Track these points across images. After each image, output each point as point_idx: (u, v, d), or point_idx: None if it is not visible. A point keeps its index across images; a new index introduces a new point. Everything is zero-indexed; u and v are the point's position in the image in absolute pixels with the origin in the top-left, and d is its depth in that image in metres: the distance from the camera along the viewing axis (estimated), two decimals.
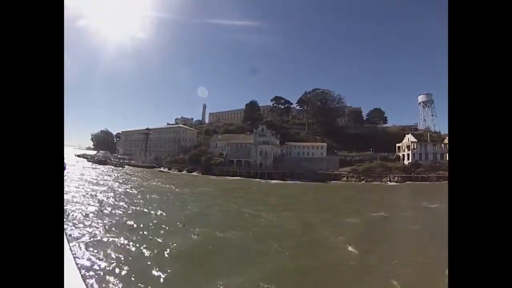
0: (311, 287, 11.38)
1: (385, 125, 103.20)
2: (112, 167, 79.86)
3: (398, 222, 23.76)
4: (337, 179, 62.39)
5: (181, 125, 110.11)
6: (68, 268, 2.32)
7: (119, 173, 62.99)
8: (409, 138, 73.02)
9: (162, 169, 78.78)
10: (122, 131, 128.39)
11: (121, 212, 21.64)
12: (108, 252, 13.04)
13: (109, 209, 22.54)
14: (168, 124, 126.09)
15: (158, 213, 21.93)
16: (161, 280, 10.93)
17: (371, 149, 74.70)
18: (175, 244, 14.57)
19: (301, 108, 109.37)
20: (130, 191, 34.16)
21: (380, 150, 73.36)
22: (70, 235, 14.86)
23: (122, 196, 29.38)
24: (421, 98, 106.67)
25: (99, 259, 12.21)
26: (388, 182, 58.41)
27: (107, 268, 11.45)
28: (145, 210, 23.22)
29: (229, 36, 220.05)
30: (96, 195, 28.49)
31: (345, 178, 62.21)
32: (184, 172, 72.83)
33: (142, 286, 10.47)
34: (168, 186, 41.40)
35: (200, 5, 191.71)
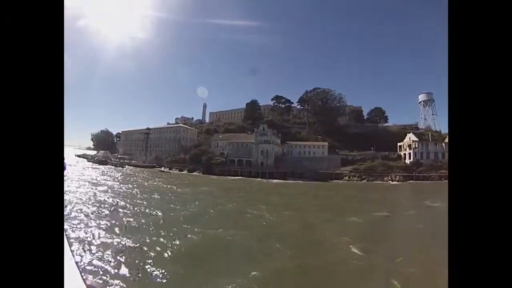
0: (312, 287, 11.32)
1: (386, 124, 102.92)
2: (113, 167, 79.89)
3: (401, 221, 23.61)
4: (338, 178, 62.28)
5: (181, 125, 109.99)
6: (68, 268, 2.33)
7: (119, 173, 62.97)
8: (410, 137, 72.98)
9: (162, 169, 78.58)
10: (122, 131, 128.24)
11: (122, 213, 21.55)
12: (109, 252, 12.98)
13: (110, 209, 22.49)
14: (168, 123, 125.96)
15: (160, 213, 21.85)
16: (162, 280, 10.86)
17: (372, 148, 74.61)
18: (176, 244, 14.53)
19: (302, 107, 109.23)
20: (131, 191, 34.09)
21: (381, 149, 73.27)
22: (71, 235, 14.80)
23: (123, 197, 29.28)
24: (421, 97, 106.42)
25: (100, 260, 12.15)
26: (390, 181, 58.22)
27: (108, 269, 11.39)
28: (147, 210, 23.11)
29: (229, 36, 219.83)
30: (96, 196, 28.43)
31: (346, 177, 62.04)
32: (185, 172, 72.70)
33: (143, 286, 10.47)
34: (169, 186, 41.31)
35: (200, 5, 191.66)
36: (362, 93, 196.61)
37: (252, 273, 11.49)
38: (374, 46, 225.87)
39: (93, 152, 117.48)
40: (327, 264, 13.15)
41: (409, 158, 68.10)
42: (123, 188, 36.85)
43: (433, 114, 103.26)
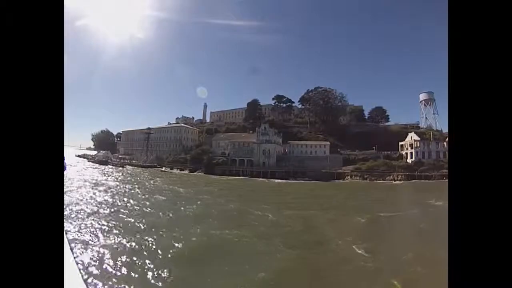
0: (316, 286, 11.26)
1: (387, 124, 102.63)
2: (113, 167, 79.49)
3: (406, 220, 23.68)
4: (340, 177, 62.01)
5: (182, 125, 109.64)
6: (68, 268, 2.34)
7: (120, 173, 62.68)
8: (412, 136, 72.72)
9: (163, 169, 78.18)
10: (122, 131, 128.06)
11: (123, 213, 21.35)
12: (110, 252, 12.94)
13: (111, 209, 22.34)
14: (169, 123, 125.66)
15: (161, 214, 21.67)
16: (164, 281, 10.79)
17: (374, 147, 74.28)
18: (179, 245, 14.51)
19: (303, 106, 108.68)
20: (132, 191, 33.91)
21: (383, 148, 72.97)
22: (71, 236, 14.73)
23: (123, 197, 29.00)
24: (422, 97, 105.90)
25: (100, 260, 12.10)
26: (393, 181, 58.08)
27: (108, 269, 11.36)
28: (148, 210, 23.01)
29: (229, 36, 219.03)
30: (97, 196, 28.30)
31: (349, 177, 61.78)
32: (186, 171, 72.32)
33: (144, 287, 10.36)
34: (171, 186, 40.98)
35: (200, 5, 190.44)
36: (362, 92, 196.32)
37: (259, 274, 11.44)
38: (374, 45, 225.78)
39: (94, 152, 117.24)
40: (331, 264, 13.13)
41: (411, 158, 67.89)
42: (123, 188, 36.64)
43: (434, 114, 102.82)
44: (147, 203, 26.48)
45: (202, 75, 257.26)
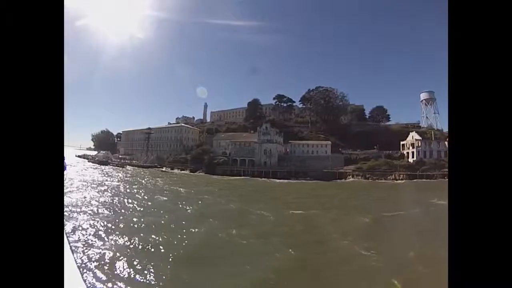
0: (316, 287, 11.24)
1: (388, 123, 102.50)
2: (114, 167, 79.29)
3: (408, 219, 23.73)
4: (342, 177, 61.87)
5: (183, 124, 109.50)
6: (68, 268, 2.33)
7: (121, 173, 62.58)
8: (413, 136, 72.63)
9: (164, 169, 77.97)
10: (123, 131, 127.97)
11: (123, 213, 21.38)
12: (110, 253, 12.93)
13: (111, 210, 22.33)
14: (169, 123, 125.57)
15: (163, 214, 21.62)
16: (165, 280, 10.79)
17: (375, 147, 74.19)
18: (181, 244, 14.63)
19: (304, 106, 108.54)
20: (134, 192, 33.79)
21: (384, 148, 72.91)
22: (72, 236, 14.71)
23: (124, 197, 28.94)
24: (423, 96, 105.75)
25: (101, 260, 12.09)
26: (396, 180, 58.02)
27: (108, 269, 11.35)
28: (150, 210, 23.01)
29: (229, 36, 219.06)
30: (97, 196, 28.23)
31: (350, 177, 61.67)
32: (187, 171, 72.12)
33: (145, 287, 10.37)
34: (172, 187, 40.95)
35: (200, 5, 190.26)
36: (363, 92, 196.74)
37: (260, 274, 11.48)
38: (374, 45, 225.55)
39: (94, 153, 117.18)
40: (332, 264, 13.11)
41: (412, 157, 67.83)
42: (124, 188, 36.60)
43: (434, 113, 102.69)
44: (148, 203, 26.48)
45: (202, 75, 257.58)
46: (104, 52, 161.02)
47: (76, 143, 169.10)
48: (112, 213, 21.22)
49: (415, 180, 56.97)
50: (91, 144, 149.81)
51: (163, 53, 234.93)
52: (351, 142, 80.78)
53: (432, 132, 79.14)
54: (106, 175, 54.07)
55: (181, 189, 37.84)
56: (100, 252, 12.99)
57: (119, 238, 15.07)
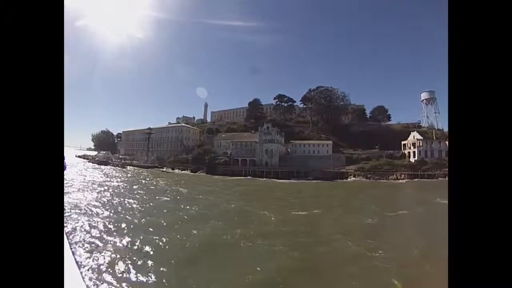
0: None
1: (388, 123, 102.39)
2: (114, 167, 79.23)
3: (412, 218, 23.74)
4: (344, 177, 61.79)
5: (183, 124, 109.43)
6: (68, 268, 2.34)
7: (121, 173, 62.53)
8: (414, 135, 72.58)
9: (165, 169, 77.93)
10: (123, 131, 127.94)
11: (123, 213, 21.29)
12: (111, 253, 12.93)
13: (112, 211, 22.25)
14: (169, 123, 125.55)
15: (165, 215, 21.58)
16: (165, 280, 10.76)
17: (376, 146, 74.24)
18: (182, 245, 14.62)
19: (305, 106, 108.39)
20: (135, 192, 33.75)
21: (385, 147, 73.02)
22: (72, 237, 14.70)
23: (126, 198, 28.84)
24: (424, 96, 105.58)
25: (102, 260, 12.04)
26: (399, 180, 58.09)
27: (109, 269, 11.32)
28: (151, 211, 22.98)
29: (229, 36, 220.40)
30: (98, 197, 28.19)
31: (352, 176, 61.61)
32: (188, 172, 72.08)
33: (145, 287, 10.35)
34: (173, 187, 40.90)
35: (200, 5, 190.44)
36: (363, 92, 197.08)
37: (261, 275, 11.45)
38: (374, 45, 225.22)
39: (94, 153, 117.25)
40: (334, 264, 13.08)
41: (414, 157, 67.84)
42: (125, 188, 36.60)
43: (435, 112, 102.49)
44: (149, 204, 26.43)
45: (202, 75, 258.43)
46: (104, 52, 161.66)
47: (76, 143, 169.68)
48: (112, 213, 21.16)
49: (416, 179, 57.08)
50: (91, 144, 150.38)
51: (163, 53, 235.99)
52: (352, 142, 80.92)
53: (433, 132, 78.99)
54: (106, 176, 54.00)
55: (183, 190, 37.72)
56: (101, 252, 12.95)
57: (120, 239, 15.03)
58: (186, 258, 13.08)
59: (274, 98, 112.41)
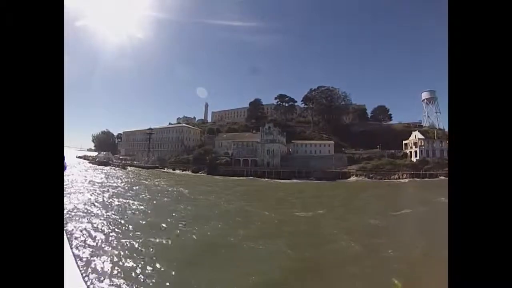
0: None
1: (389, 123, 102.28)
2: (115, 168, 78.87)
3: (416, 217, 23.74)
4: (346, 177, 61.70)
5: (184, 125, 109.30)
6: (68, 268, 2.35)
7: (122, 174, 62.48)
8: (416, 135, 72.48)
9: (166, 169, 77.79)
10: (123, 132, 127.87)
11: (123, 213, 21.36)
12: (111, 253, 12.93)
13: (113, 211, 22.27)
14: (170, 123, 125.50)
15: (165, 215, 21.47)
16: (166, 281, 10.74)
17: (378, 146, 74.13)
18: (184, 245, 14.65)
19: (306, 106, 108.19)
20: (136, 193, 33.75)
21: (386, 147, 72.90)
22: (73, 237, 14.74)
23: (127, 198, 28.87)
24: (424, 95, 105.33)
25: (102, 261, 12.06)
26: (401, 179, 58.08)
27: (109, 269, 11.34)
28: (152, 211, 22.99)
29: (229, 36, 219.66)
30: (99, 198, 28.18)
31: (354, 176, 61.50)
32: (189, 172, 71.90)
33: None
34: (175, 187, 40.82)
35: (200, 5, 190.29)
36: (363, 92, 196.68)
37: (263, 275, 11.43)
38: (374, 45, 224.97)
39: (94, 154, 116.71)
40: (335, 264, 13.05)
41: (416, 156, 67.80)
42: (125, 189, 36.60)
43: (436, 112, 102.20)
44: (150, 204, 26.42)
45: (202, 75, 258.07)
46: (104, 52, 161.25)
47: (76, 143, 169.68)
48: (113, 214, 21.15)
49: (418, 179, 57.07)
50: (92, 145, 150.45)
51: (163, 53, 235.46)
52: (354, 142, 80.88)
53: (435, 131, 78.86)
54: (107, 176, 53.91)
55: (185, 190, 37.66)
56: (101, 253, 12.96)
57: (120, 239, 15.02)
58: (187, 258, 13.06)
59: (275, 98, 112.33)
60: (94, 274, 10.81)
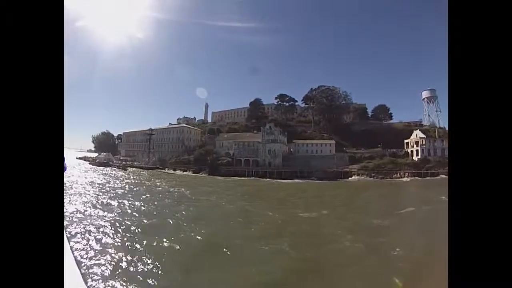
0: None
1: (390, 122, 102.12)
2: (115, 169, 78.64)
3: (419, 216, 23.73)
4: (347, 176, 61.65)
5: (184, 125, 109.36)
6: (68, 268, 2.34)
7: (122, 175, 62.43)
8: (417, 134, 72.40)
9: (166, 170, 77.80)
10: (123, 132, 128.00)
11: (127, 214, 21.26)
12: (111, 254, 12.94)
13: (114, 212, 22.31)
14: (170, 124, 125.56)
15: (166, 215, 21.53)
16: (167, 281, 10.74)
17: (379, 145, 73.94)
18: (185, 246, 14.60)
19: (306, 105, 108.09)
20: (137, 193, 33.73)
21: (387, 146, 72.77)
22: (73, 237, 14.78)
23: (127, 199, 28.86)
24: (425, 94, 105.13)
25: (102, 261, 12.09)
26: (403, 179, 58.06)
27: (109, 269, 11.37)
28: (153, 212, 23.00)
29: (229, 36, 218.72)
30: (99, 198, 28.22)
31: (356, 176, 61.46)
32: (190, 173, 71.89)
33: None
34: (176, 188, 40.81)
35: (200, 5, 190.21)
36: (363, 91, 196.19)
37: (265, 276, 11.39)
38: (374, 45, 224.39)
39: (95, 155, 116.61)
40: (337, 264, 13.00)
41: (417, 155, 67.69)
42: (125, 190, 36.63)
43: (436, 111, 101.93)
44: (150, 205, 26.38)
45: (202, 75, 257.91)
46: (104, 52, 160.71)
47: (76, 144, 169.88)
48: (114, 215, 21.15)
49: (420, 178, 57.00)
50: (92, 146, 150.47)
51: (163, 53, 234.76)
52: (355, 141, 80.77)
53: (436, 130, 78.73)
54: (107, 177, 53.89)
55: (186, 191, 37.65)
56: (102, 253, 12.96)
57: (121, 240, 15.05)
58: (188, 259, 13.06)
59: (276, 98, 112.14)
60: (94, 276, 10.79)
